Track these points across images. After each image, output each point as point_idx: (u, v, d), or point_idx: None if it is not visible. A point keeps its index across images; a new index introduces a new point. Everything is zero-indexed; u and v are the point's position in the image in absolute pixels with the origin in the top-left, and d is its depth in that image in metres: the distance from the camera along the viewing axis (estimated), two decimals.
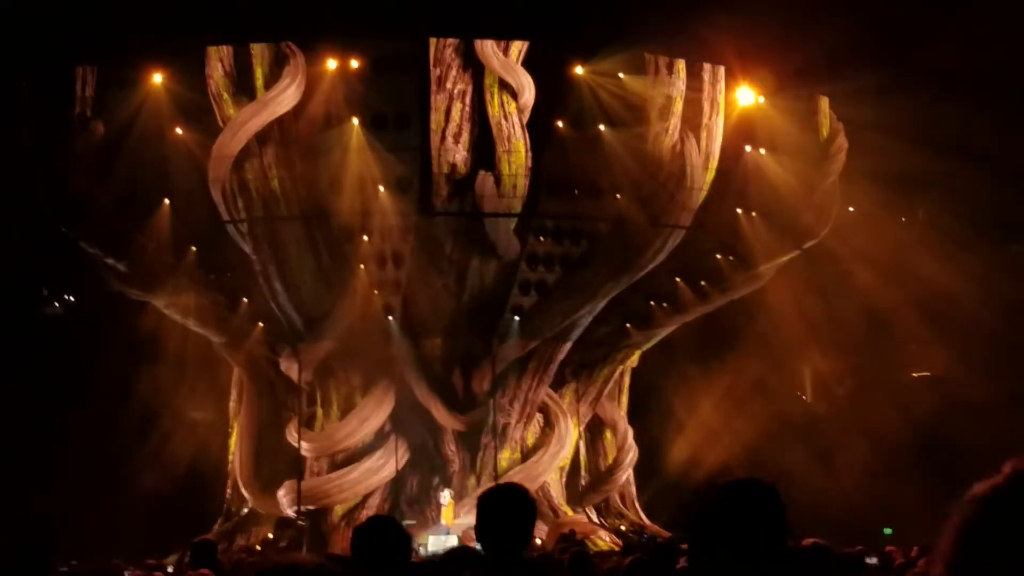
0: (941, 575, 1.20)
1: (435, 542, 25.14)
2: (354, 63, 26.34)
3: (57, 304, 30.19)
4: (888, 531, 23.77)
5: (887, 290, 27.07)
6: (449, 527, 26.46)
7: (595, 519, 29.65)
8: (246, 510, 28.78)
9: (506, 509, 4.35)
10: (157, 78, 26.55)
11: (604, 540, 27.44)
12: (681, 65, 27.82)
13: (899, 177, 26.49)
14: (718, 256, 29.33)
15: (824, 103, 29.08)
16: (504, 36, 27.02)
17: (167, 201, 27.15)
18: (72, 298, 30.00)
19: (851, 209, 29.40)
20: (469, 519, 27.44)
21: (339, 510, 28.06)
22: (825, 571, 3.97)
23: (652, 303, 29.87)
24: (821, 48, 24.52)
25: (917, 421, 26.69)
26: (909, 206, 29.21)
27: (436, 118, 26.91)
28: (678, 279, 29.34)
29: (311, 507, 27.85)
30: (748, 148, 28.51)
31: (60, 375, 25.55)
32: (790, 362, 29.81)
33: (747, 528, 3.41)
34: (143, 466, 26.13)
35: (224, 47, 26.65)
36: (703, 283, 29.51)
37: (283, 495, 27.88)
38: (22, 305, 27.63)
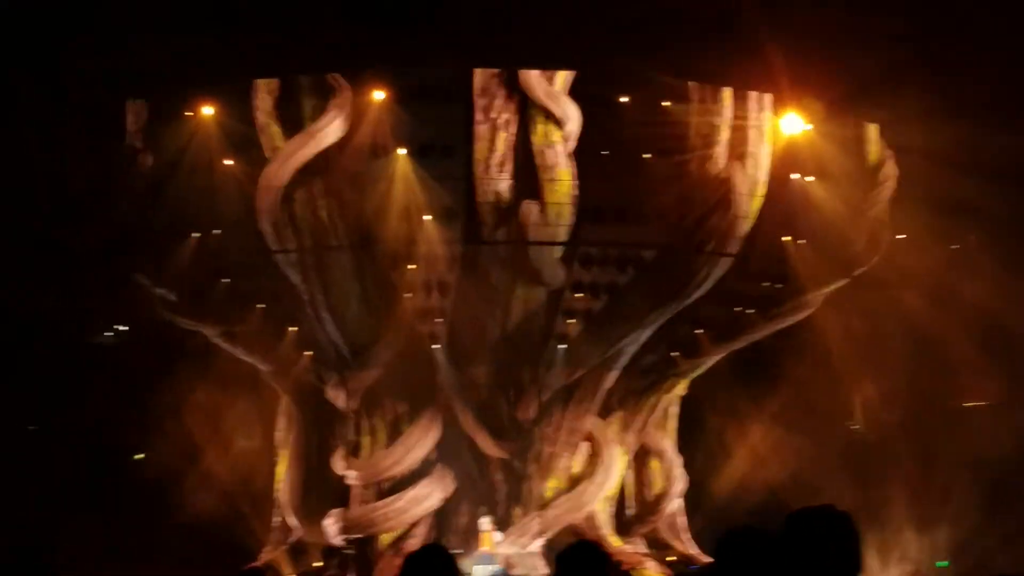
0: None
1: (480, 571, 25.06)
2: (399, 93, 26.53)
3: (110, 334, 30.56)
4: (943, 564, 23.39)
5: (938, 317, 26.73)
6: (491, 555, 26.37)
7: (643, 549, 29.38)
8: (293, 538, 28.83)
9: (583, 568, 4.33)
10: (207, 110, 26.95)
11: (651, 571, 27.18)
12: (727, 93, 27.77)
13: (949, 203, 26.18)
14: (765, 284, 29.11)
15: (872, 129, 28.86)
16: (548, 66, 27.12)
17: (216, 231, 27.46)
18: (125, 327, 30.37)
19: (901, 236, 29.10)
20: (512, 547, 27.33)
21: (385, 539, 28.05)
22: None
23: (699, 331, 29.67)
24: (869, 74, 24.38)
25: (970, 450, 26.26)
26: (960, 232, 28.85)
27: (480, 147, 27.02)
28: (725, 307, 29.14)
29: (357, 536, 27.85)
30: (795, 175, 28.33)
31: (112, 404, 25.83)
32: (839, 389, 29.47)
33: (820, 558, 3.29)
34: (191, 494, 26.29)
35: (270, 80, 26.99)
36: (750, 311, 29.29)
37: (330, 523, 27.91)
38: (76, 335, 28.00)
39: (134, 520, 25.22)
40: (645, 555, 28.87)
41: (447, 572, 4.68)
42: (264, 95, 27.02)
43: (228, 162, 27.00)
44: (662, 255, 28.17)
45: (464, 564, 24.62)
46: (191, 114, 27.17)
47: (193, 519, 25.66)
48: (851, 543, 3.45)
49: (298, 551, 28.61)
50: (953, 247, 28.93)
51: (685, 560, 28.97)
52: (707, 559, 28.57)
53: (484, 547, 26.77)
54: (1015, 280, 25.34)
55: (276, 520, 29.20)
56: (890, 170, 28.60)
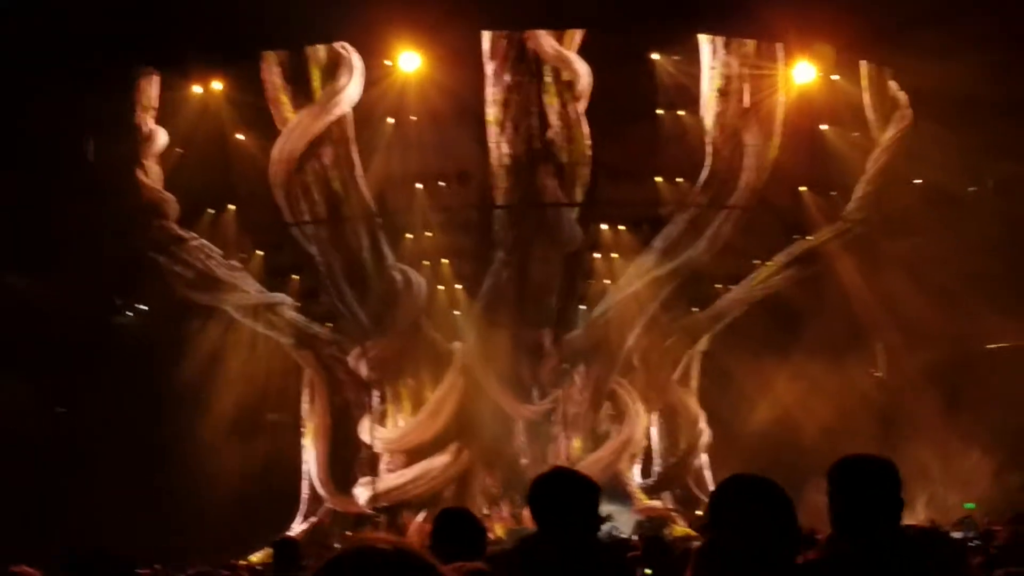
0: None
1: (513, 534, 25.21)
2: (409, 60, 26.44)
3: (129, 313, 30.72)
4: (970, 506, 23.40)
5: (958, 262, 26.56)
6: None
7: (671, 505, 29.50)
8: (323, 509, 29.07)
9: (561, 492, 4.24)
10: (216, 85, 26.94)
11: (681, 526, 27.30)
12: (738, 44, 27.55)
13: (968, 144, 25.94)
14: (783, 235, 29.02)
15: (886, 73, 28.60)
16: (558, 26, 26.96)
17: (231, 206, 27.56)
18: (144, 307, 30.50)
19: (918, 181, 28.90)
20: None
21: (414, 505, 28.24)
22: (936, 555, 3.89)
23: (719, 286, 29.63)
24: (882, 17, 24.09)
25: (994, 392, 26.19)
26: (977, 175, 28.61)
27: (493, 110, 26.93)
28: (744, 260, 29.07)
29: (386, 504, 28.06)
30: (810, 124, 28.16)
31: (134, 384, 25.99)
32: (862, 338, 29.38)
33: (858, 505, 3.33)
34: (220, 470, 26.49)
35: (280, 51, 26.93)
36: (769, 263, 29.22)
37: (359, 493, 28.13)
38: (95, 315, 28.14)
39: (168, 496, 25.43)
40: (674, 511, 28.98)
41: (475, 533, 4.72)
42: (273, 67, 26.98)
43: (240, 136, 27.03)
44: (679, 211, 28.11)
45: (497, 528, 24.79)
46: (201, 89, 27.19)
47: (225, 493, 25.85)
48: (896, 489, 3.50)
49: (328, 521, 28.85)
50: (971, 189, 28.70)
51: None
52: None
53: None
54: None
55: (305, 491, 29.44)
56: (905, 113, 28.37)
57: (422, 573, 1.54)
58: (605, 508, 25.76)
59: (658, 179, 28.41)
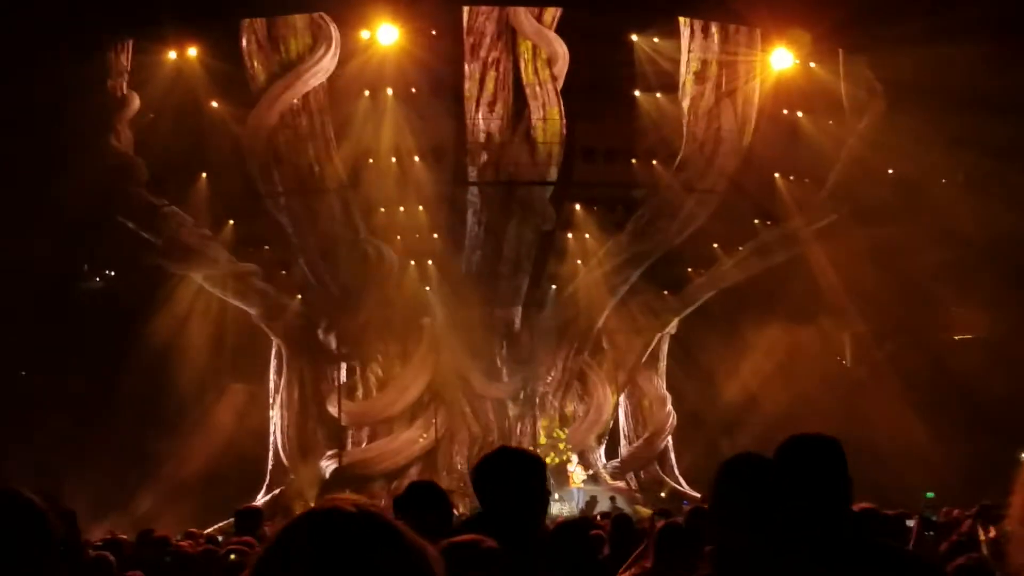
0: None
1: (565, 508, 25.43)
2: (387, 33, 26.28)
3: (98, 279, 30.48)
4: (930, 495, 23.62)
5: (928, 252, 26.75)
6: (580, 490, 26.84)
7: (635, 486, 29.66)
8: (288, 480, 29.03)
9: (509, 471, 4.07)
10: (192, 51, 26.69)
11: (644, 508, 27.44)
12: (716, 28, 27.56)
13: (939, 136, 26.10)
14: (756, 221, 29.13)
15: (861, 63, 28.69)
16: (537, 3, 26.87)
17: (203, 174, 27.35)
18: (113, 273, 30.28)
19: (890, 171, 29.05)
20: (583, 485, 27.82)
21: (380, 478, 28.23)
22: (874, 534, 3.93)
23: (689, 269, 29.72)
24: (857, 6, 24.16)
25: (960, 383, 26.43)
26: (950, 166, 28.80)
27: (470, 87, 26.83)
28: (715, 245, 29.17)
29: (353, 476, 28.05)
30: (785, 111, 28.24)
31: (102, 350, 25.82)
32: (829, 326, 29.57)
33: (811, 484, 3.37)
34: (186, 437, 26.39)
35: (258, 19, 26.70)
36: (740, 248, 29.32)
37: (325, 466, 28.10)
38: (63, 281, 27.92)
39: (132, 465, 25.32)
40: (637, 492, 29.14)
41: (442, 506, 4.73)
42: (250, 35, 26.76)
43: (215, 104, 26.80)
44: (652, 193, 28.15)
45: (461, 504, 24.83)
46: (175, 55, 26.93)
47: (188, 465, 25.77)
48: (841, 469, 3.52)
49: (294, 493, 28.81)
50: (943, 180, 28.90)
51: (676, 496, 29.26)
52: (697, 496, 28.87)
53: (573, 485, 27.27)
54: (1006, 213, 25.34)
55: (271, 463, 29.38)
56: (879, 104, 28.50)
57: (385, 534, 1.54)
58: (591, 490, 25.99)
59: (633, 161, 28.41)
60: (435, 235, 28.02)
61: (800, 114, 28.34)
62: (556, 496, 25.22)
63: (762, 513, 3.43)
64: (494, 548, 3.72)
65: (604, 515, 15.12)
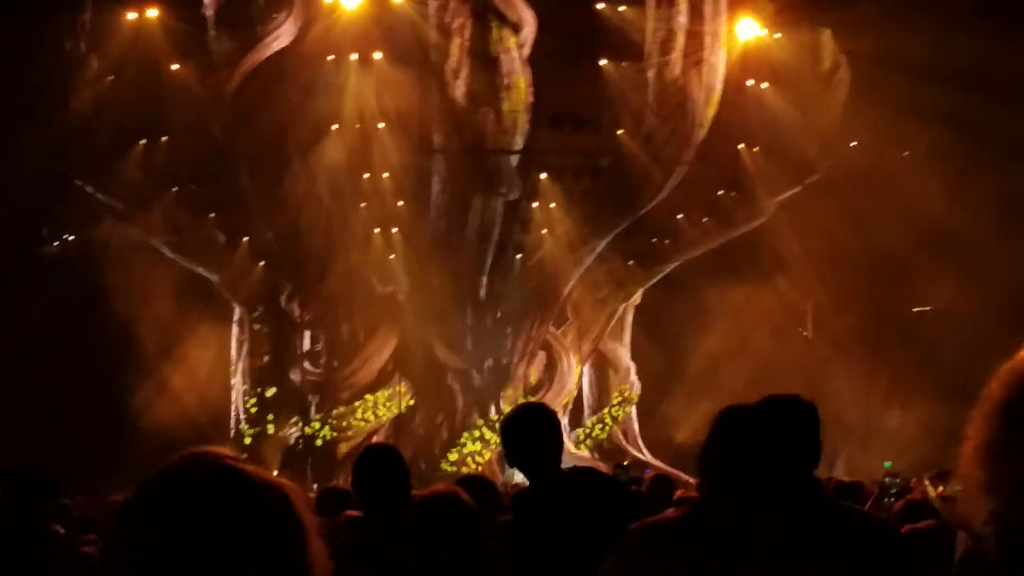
0: (982, 462, 1.13)
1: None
2: None
3: (57, 244, 30.11)
4: (888, 464, 23.87)
5: (890, 224, 26.93)
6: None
7: (598, 456, 29.80)
8: (249, 446, 28.94)
9: (534, 425, 4.50)
10: (152, 12, 26.29)
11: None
12: None
13: (902, 108, 26.22)
14: (720, 192, 29.19)
15: (826, 34, 28.73)
16: None
17: (164, 138, 27.01)
18: (72, 237, 29.92)
19: (854, 143, 29.17)
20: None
21: (343, 448, 28.20)
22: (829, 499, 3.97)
23: (654, 240, 29.77)
24: None
25: (919, 355, 26.71)
26: (912, 138, 28.96)
27: (435, 53, 26.63)
28: (680, 215, 29.22)
29: (316, 445, 28.00)
30: (750, 82, 28.26)
31: (61, 315, 25.53)
32: (792, 297, 29.76)
33: (787, 443, 3.41)
34: (146, 405, 26.21)
35: None
36: (705, 219, 29.39)
37: (288, 433, 28.01)
38: (22, 245, 27.54)
39: (93, 433, 25.11)
40: (600, 462, 29.29)
41: (400, 472, 4.68)
42: None
43: (175, 67, 26.44)
44: (618, 163, 28.12)
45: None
46: (136, 16, 26.52)
47: (151, 430, 25.59)
48: (815, 432, 3.54)
49: (255, 461, 28.71)
50: (905, 153, 29.06)
51: (639, 466, 29.43)
52: (659, 464, 29.06)
53: None
54: (966, 186, 25.54)
55: (233, 431, 29.26)
56: (843, 75, 28.56)
57: (241, 484, 1.55)
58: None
59: (599, 130, 28.36)
60: (400, 203, 27.89)
61: (765, 85, 28.37)
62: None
63: (746, 464, 3.44)
64: (470, 504, 3.84)
65: None
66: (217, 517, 1.53)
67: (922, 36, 23.80)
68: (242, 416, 28.91)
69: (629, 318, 31.37)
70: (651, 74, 27.69)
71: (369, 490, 4.64)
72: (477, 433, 27.80)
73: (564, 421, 29.97)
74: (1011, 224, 25.76)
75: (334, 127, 26.86)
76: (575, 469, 4.87)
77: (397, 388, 28.37)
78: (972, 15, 24.15)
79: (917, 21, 23.46)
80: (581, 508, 4.40)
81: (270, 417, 28.42)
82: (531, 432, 4.53)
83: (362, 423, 28.23)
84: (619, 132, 28.09)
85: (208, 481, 1.54)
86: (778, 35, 27.99)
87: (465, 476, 4.66)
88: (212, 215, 28.28)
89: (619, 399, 30.71)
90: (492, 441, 26.99)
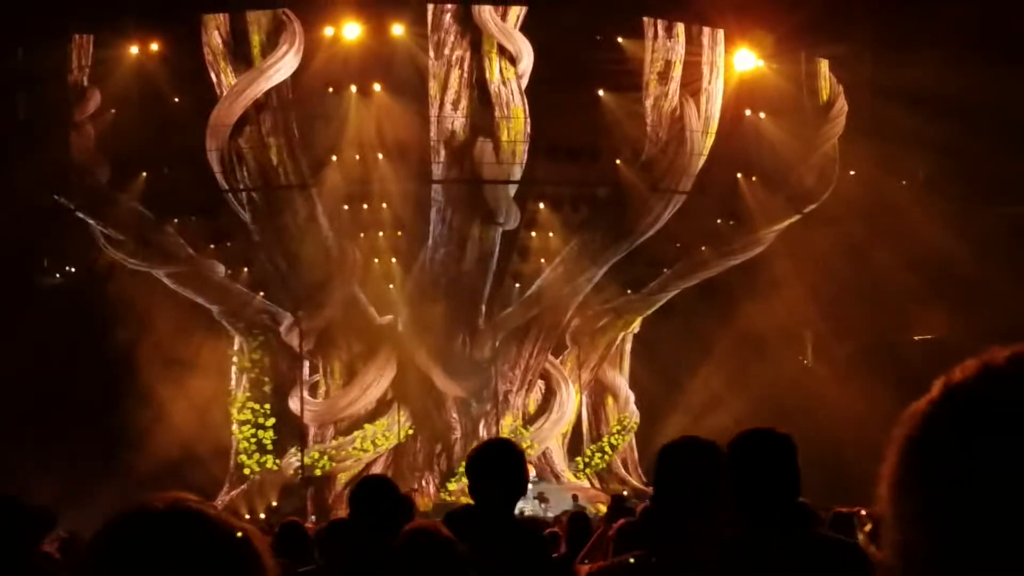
0: (889, 498, 1.22)
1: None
2: (350, 30, 26.21)
3: (58, 275, 30.17)
4: None
5: (888, 253, 27.03)
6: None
7: (598, 485, 29.75)
8: (251, 479, 28.89)
9: (496, 463, 4.35)
10: (154, 46, 26.49)
11: (606, 506, 27.54)
12: (680, 29, 27.69)
13: (899, 139, 26.39)
14: (718, 221, 29.29)
15: (824, 65, 28.94)
16: (501, 1, 26.88)
17: (165, 170, 27.14)
18: (73, 269, 29.98)
19: (852, 172, 29.31)
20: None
21: (343, 478, 28.15)
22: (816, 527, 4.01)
23: (652, 268, 29.84)
24: (820, 7, 24.38)
25: (918, 384, 26.68)
26: (910, 168, 29.12)
27: (434, 85, 26.79)
28: (678, 244, 29.31)
29: (314, 474, 27.95)
30: (748, 112, 28.43)
31: (61, 346, 25.55)
32: (791, 326, 29.82)
33: (762, 478, 3.44)
34: (145, 436, 26.17)
35: (220, 15, 26.54)
36: (704, 248, 29.48)
37: (287, 464, 27.97)
38: (22, 276, 27.60)
39: (92, 464, 25.07)
40: (600, 490, 29.24)
41: (395, 503, 4.73)
42: (212, 31, 26.58)
43: (176, 99, 26.60)
44: (616, 193, 28.23)
45: (423, 503, 24.80)
46: (137, 50, 26.73)
47: (151, 461, 25.55)
48: (791, 463, 3.57)
49: (255, 492, 28.67)
50: (903, 183, 29.21)
51: (638, 495, 29.39)
52: None
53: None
54: (963, 216, 25.66)
55: (233, 462, 29.21)
56: (841, 106, 28.74)
57: (198, 528, 1.57)
58: (538, 488, 25.91)
59: (597, 160, 28.48)
60: (399, 233, 27.98)
61: (763, 115, 28.54)
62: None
63: (703, 496, 3.48)
64: (450, 538, 3.84)
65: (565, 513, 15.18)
66: (180, 560, 1.53)
67: (919, 68, 24.00)
68: (242, 447, 28.86)
69: (628, 347, 31.41)
70: (649, 104, 27.86)
71: (364, 522, 4.68)
72: None
73: (564, 449, 29.95)
74: (1008, 253, 25.87)
75: (334, 157, 27.00)
76: (522, 523, 4.75)
77: (396, 418, 28.34)
78: (969, 48, 24.36)
79: (914, 53, 23.66)
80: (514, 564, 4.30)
81: (269, 447, 28.39)
82: (493, 471, 4.35)
83: (361, 453, 28.20)
84: (617, 161, 28.23)
85: (171, 523, 1.57)
86: (775, 65, 28.18)
87: (456, 509, 4.58)
88: (212, 246, 28.38)
89: (618, 427, 30.71)
90: None
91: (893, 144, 26.68)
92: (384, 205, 27.59)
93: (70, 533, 13.86)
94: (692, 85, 27.88)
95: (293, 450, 28.12)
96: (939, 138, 25.62)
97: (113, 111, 26.80)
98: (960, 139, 25.41)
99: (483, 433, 28.78)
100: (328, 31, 26.27)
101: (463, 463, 28.01)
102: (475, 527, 4.17)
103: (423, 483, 27.97)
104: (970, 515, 1.12)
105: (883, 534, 1.19)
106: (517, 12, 26.87)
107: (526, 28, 26.82)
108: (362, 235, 27.79)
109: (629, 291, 29.86)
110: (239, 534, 1.59)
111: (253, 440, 28.53)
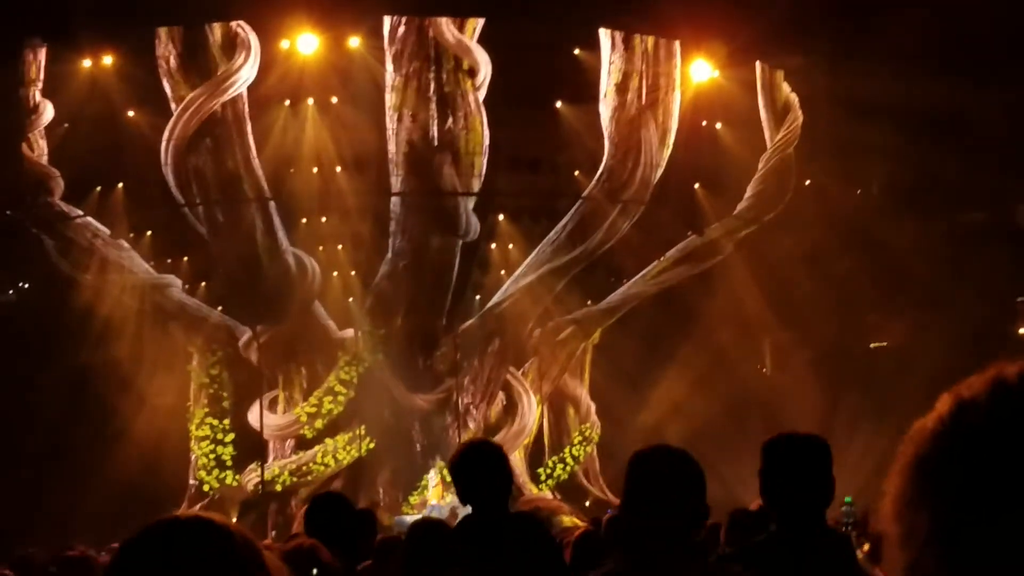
0: (896, 517, 1.18)
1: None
2: (307, 43, 26.10)
3: (11, 292, 29.77)
4: (849, 500, 24.02)
5: (844, 262, 27.28)
6: (440, 506, 26.34)
7: (558, 496, 29.72)
8: (209, 495, 28.60)
9: (484, 463, 4.44)
10: (107, 59, 26.24)
11: (568, 517, 27.51)
12: (637, 40, 27.83)
13: (854, 148, 26.67)
14: (677, 231, 29.43)
15: (779, 75, 29.19)
16: (458, 13, 26.89)
17: (120, 185, 26.89)
18: (26, 284, 29.60)
19: (807, 182, 29.57)
20: (450, 498, 27.41)
21: (303, 493, 27.93)
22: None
23: (612, 279, 29.92)
24: (775, 18, 24.59)
25: (877, 391, 26.95)
26: (864, 177, 29.42)
27: (392, 97, 26.74)
28: (637, 255, 29.40)
29: (275, 490, 27.73)
30: (704, 123, 28.61)
31: (14, 363, 25.21)
32: (750, 334, 30.01)
33: (799, 484, 3.47)
34: (103, 452, 25.87)
35: (175, 28, 26.35)
36: (662, 258, 29.61)
37: (246, 479, 27.72)
38: None
39: (48, 483, 24.74)
40: (562, 501, 29.20)
41: (349, 519, 4.68)
42: (167, 44, 26.38)
43: (131, 113, 26.38)
44: (575, 205, 28.31)
45: (385, 517, 24.62)
46: (90, 64, 26.46)
47: (106, 478, 25.26)
48: (829, 470, 3.63)
49: (214, 506, 28.39)
50: (858, 192, 29.49)
51: (601, 505, 29.39)
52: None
53: (432, 499, 26.75)
54: (918, 223, 25.94)
55: (192, 477, 28.92)
56: (796, 116, 28.99)
57: (223, 542, 1.59)
58: (451, 505, 25.66)
59: (556, 172, 28.57)
60: (358, 246, 27.87)
61: (719, 125, 28.73)
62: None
63: (674, 506, 3.47)
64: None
65: None
66: (207, 570, 1.55)
67: (876, 78, 24.27)
68: (201, 463, 28.57)
69: (588, 357, 31.44)
70: (607, 115, 27.95)
71: (321, 539, 4.66)
72: (438, 476, 27.62)
73: (525, 461, 29.89)
74: (965, 261, 26.17)
75: (291, 171, 26.87)
76: (519, 514, 4.86)
77: (357, 431, 28.18)
78: (924, 56, 24.65)
79: (871, 64, 23.91)
80: (520, 555, 4.38)
81: (228, 463, 28.13)
82: (484, 470, 4.48)
83: (322, 468, 28.01)
84: (576, 173, 28.30)
85: (193, 538, 1.57)
86: (732, 76, 28.39)
87: (419, 521, 4.61)
88: (169, 261, 28.14)
89: (580, 438, 30.72)
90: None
91: (850, 153, 26.96)
92: (342, 218, 27.46)
93: (26, 552, 13.65)
94: (649, 96, 28.01)
95: (253, 465, 27.88)
96: (894, 147, 25.92)
97: (66, 125, 26.52)
98: (915, 148, 25.72)
99: (444, 446, 28.67)
100: (284, 44, 26.14)
101: (424, 476, 27.95)
102: (477, 527, 4.27)
103: (385, 497, 27.80)
104: (982, 535, 1.09)
105: (887, 553, 1.16)
106: (474, 24, 26.89)
107: (484, 40, 26.84)
108: (321, 248, 27.64)
109: (590, 302, 29.91)
110: (263, 549, 1.64)
111: (212, 456, 28.23)
